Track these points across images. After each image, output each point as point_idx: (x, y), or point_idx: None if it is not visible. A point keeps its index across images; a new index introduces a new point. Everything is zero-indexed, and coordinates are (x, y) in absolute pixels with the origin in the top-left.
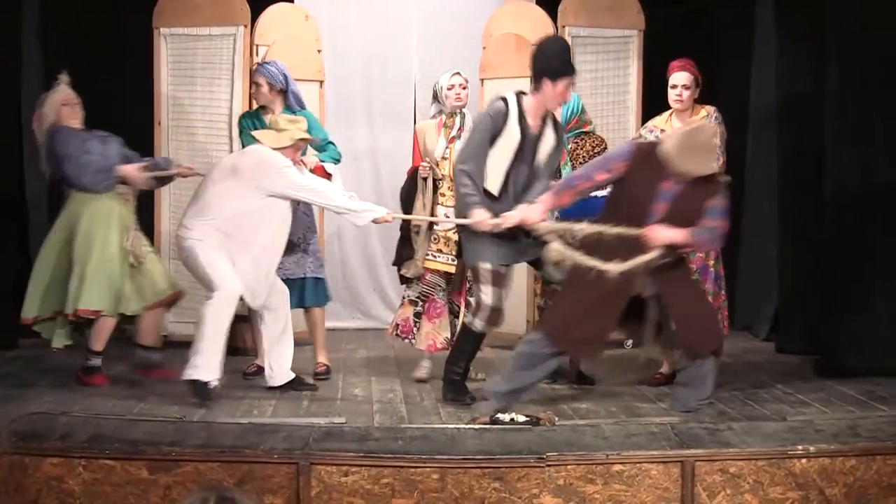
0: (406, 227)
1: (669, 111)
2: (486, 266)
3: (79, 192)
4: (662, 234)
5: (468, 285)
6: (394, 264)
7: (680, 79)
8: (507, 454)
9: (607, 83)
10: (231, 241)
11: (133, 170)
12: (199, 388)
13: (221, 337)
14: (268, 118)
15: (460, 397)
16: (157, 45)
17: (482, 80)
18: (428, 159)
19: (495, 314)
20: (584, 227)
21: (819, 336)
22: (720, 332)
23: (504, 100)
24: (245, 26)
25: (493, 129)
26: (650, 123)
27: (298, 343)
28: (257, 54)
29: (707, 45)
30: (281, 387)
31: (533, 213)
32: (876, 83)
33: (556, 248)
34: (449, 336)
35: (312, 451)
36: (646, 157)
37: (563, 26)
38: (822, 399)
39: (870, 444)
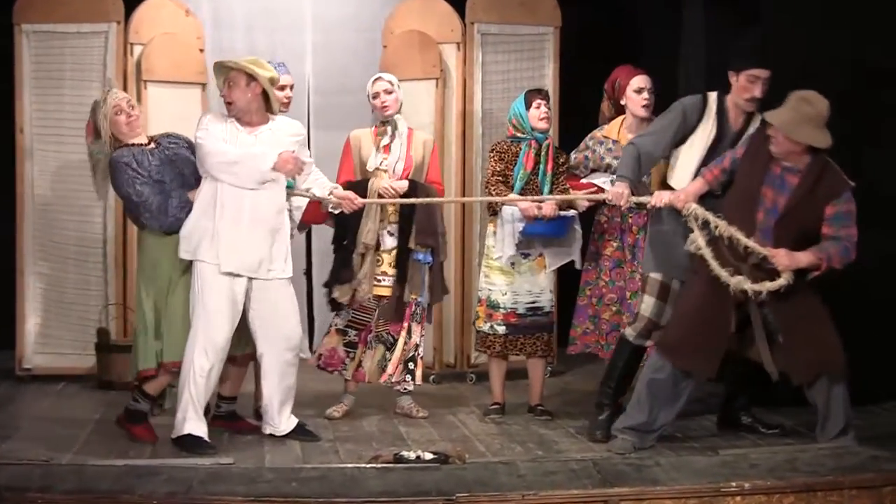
0: (347, 246)
1: (620, 119)
2: (655, 276)
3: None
4: (790, 259)
5: (410, 311)
6: (326, 285)
7: (645, 82)
8: (413, 496)
9: (521, 85)
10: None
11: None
12: (193, 441)
13: (203, 390)
14: None
15: (593, 431)
16: (19, 44)
17: None
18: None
19: (649, 327)
20: (722, 224)
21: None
22: (837, 353)
23: (704, 94)
24: (118, 23)
25: (682, 122)
26: (598, 133)
27: None
28: (132, 54)
29: (631, 42)
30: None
31: (683, 194)
32: (808, 84)
33: (696, 242)
34: (381, 369)
35: (197, 496)
36: (755, 144)
37: (472, 23)
38: (757, 430)
39: (809, 479)
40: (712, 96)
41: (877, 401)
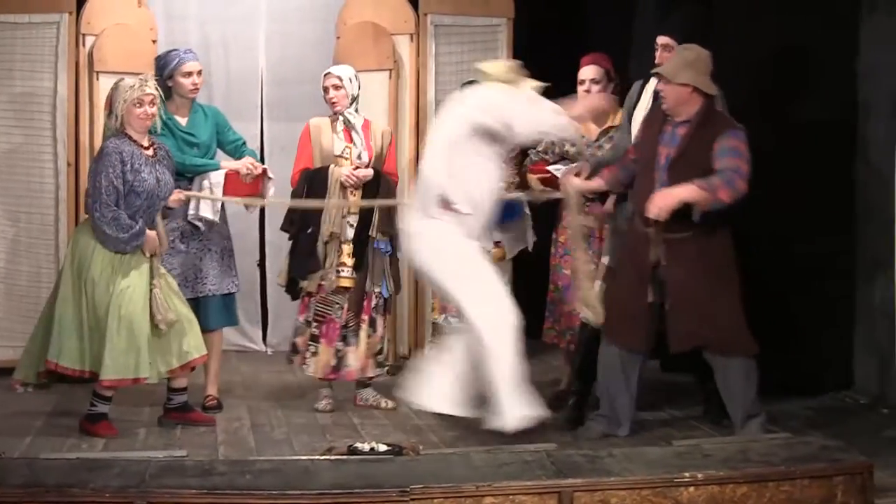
0: (312, 234)
1: None
2: (604, 260)
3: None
4: (668, 197)
5: (373, 303)
6: (295, 276)
7: (587, 73)
8: (366, 488)
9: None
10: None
11: (155, 237)
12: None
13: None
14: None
15: (562, 420)
16: None
17: None
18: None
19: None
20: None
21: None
22: (726, 333)
23: (648, 77)
24: (70, 13)
25: (628, 107)
26: None
27: None
28: (84, 45)
29: (583, 34)
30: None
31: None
32: (756, 70)
33: (571, 219)
34: (335, 364)
35: (149, 489)
36: (650, 111)
37: (426, 14)
38: (710, 421)
39: (762, 469)
40: (653, 79)
41: (826, 390)
